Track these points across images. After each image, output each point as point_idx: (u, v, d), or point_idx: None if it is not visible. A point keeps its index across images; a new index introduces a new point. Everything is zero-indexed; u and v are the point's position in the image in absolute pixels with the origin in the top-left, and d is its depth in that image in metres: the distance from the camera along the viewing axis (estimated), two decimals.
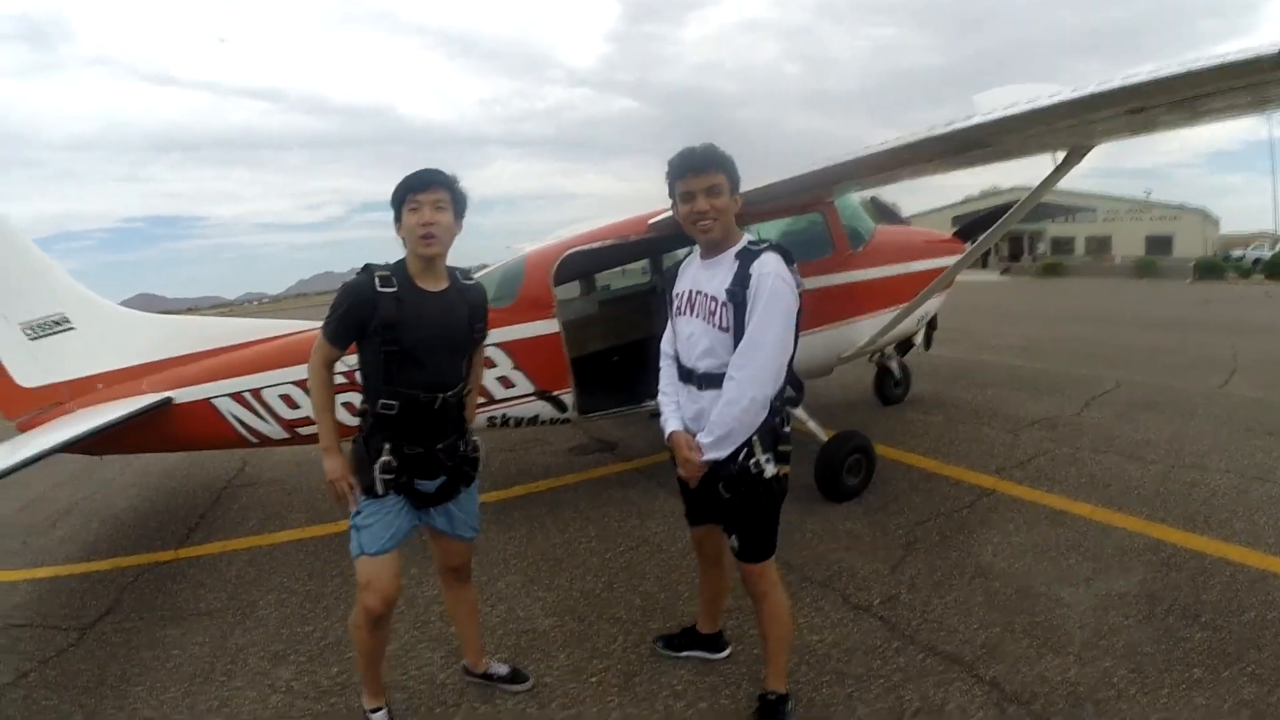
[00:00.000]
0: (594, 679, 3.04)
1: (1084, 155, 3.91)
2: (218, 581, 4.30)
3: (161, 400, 4.41)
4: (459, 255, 2.61)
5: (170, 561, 4.67)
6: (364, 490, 2.50)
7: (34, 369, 4.69)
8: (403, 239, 2.46)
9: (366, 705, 2.78)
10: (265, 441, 4.55)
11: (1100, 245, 43.43)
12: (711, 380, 2.44)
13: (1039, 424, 6.30)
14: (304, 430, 4.40)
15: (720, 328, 2.41)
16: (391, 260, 2.51)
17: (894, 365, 7.28)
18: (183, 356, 4.78)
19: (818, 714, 2.71)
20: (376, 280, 2.41)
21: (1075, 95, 2.70)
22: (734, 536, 2.54)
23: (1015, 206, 5.00)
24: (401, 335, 2.40)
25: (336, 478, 2.51)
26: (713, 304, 2.43)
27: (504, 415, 4.70)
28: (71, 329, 4.73)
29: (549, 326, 4.70)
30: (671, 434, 2.56)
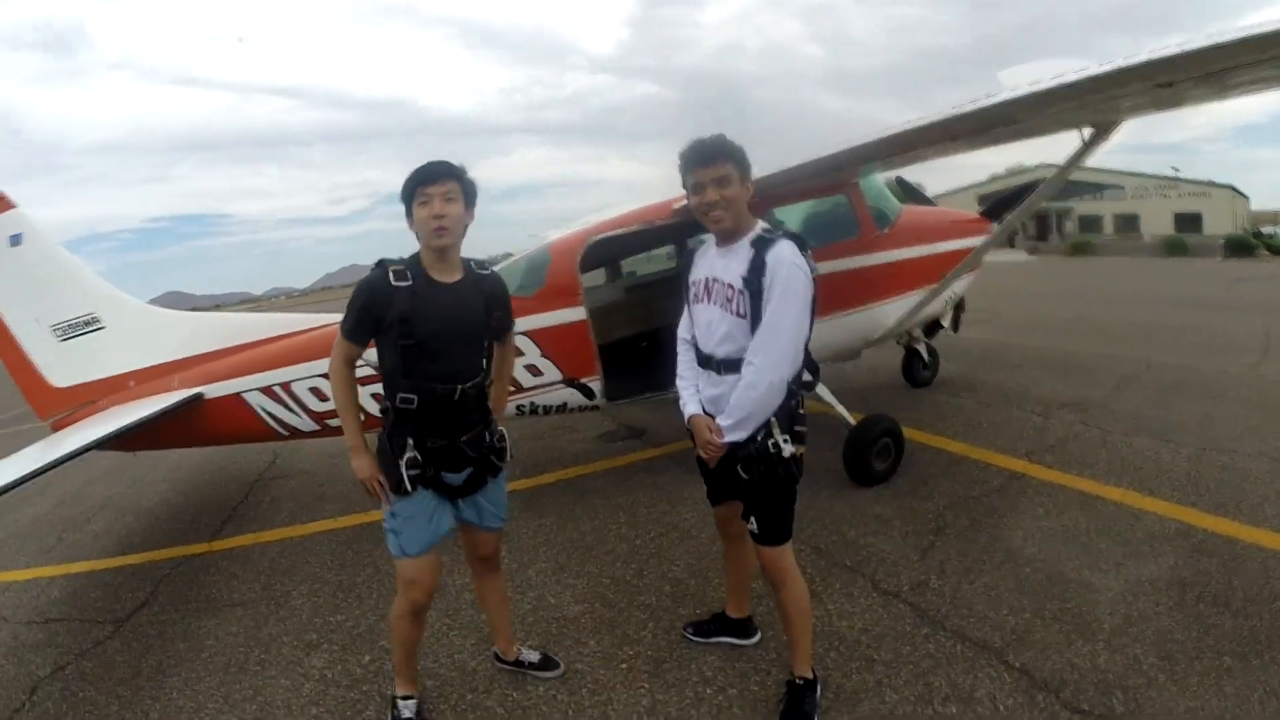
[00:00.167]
0: (624, 665, 3.07)
1: (1111, 132, 3.83)
2: (251, 573, 4.37)
3: (193, 396, 4.49)
4: (485, 243, 2.61)
5: (203, 554, 4.75)
6: (393, 488, 2.51)
7: (66, 369, 4.80)
8: (415, 232, 2.47)
9: (399, 693, 2.81)
10: (295, 434, 4.62)
11: (1128, 223, 42.53)
12: (731, 365, 2.47)
13: (1069, 406, 6.19)
14: (333, 422, 4.42)
15: (738, 314, 2.44)
16: (416, 250, 2.53)
17: (922, 348, 7.18)
18: (212, 352, 4.87)
19: (847, 700, 2.71)
20: (391, 274, 2.42)
21: (1103, 70, 2.65)
22: (753, 519, 2.56)
23: (1043, 184, 4.91)
24: (416, 328, 2.41)
25: (367, 476, 2.52)
26: (729, 291, 2.45)
27: (532, 403, 4.72)
28: (101, 328, 4.83)
29: (576, 314, 4.69)
30: (691, 417, 2.60)
